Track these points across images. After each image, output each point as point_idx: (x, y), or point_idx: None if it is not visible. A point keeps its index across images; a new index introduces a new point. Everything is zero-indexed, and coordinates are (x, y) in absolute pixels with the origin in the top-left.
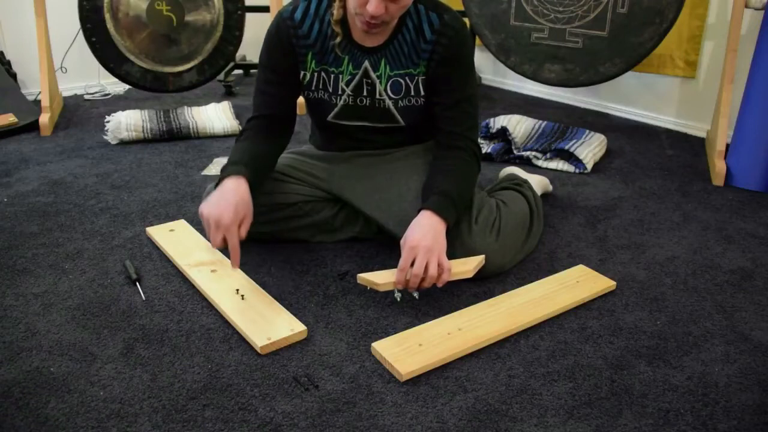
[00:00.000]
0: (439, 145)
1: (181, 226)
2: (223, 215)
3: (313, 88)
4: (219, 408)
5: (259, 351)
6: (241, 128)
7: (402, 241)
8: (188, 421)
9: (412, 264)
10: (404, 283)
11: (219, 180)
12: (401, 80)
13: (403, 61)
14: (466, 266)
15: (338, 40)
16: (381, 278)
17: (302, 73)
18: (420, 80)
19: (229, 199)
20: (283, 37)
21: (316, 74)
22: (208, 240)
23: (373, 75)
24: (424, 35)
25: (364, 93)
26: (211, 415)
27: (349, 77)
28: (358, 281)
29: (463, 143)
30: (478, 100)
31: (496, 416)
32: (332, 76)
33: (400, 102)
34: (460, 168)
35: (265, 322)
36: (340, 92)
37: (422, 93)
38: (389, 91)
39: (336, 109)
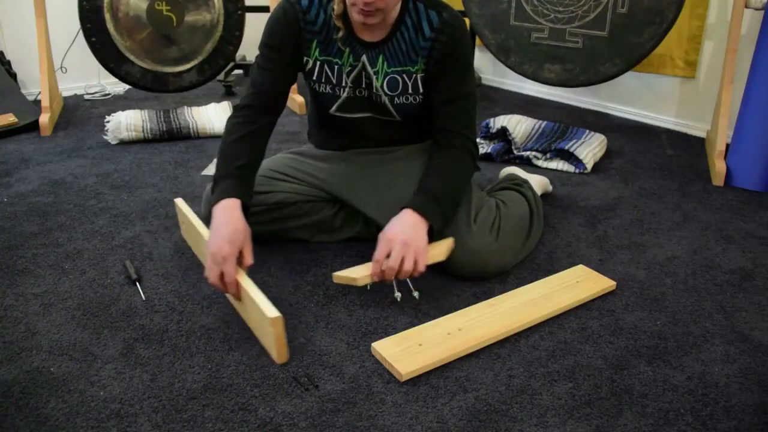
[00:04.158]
0: (435, 144)
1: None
2: (221, 249)
3: (315, 78)
4: (219, 408)
5: (276, 360)
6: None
7: (380, 235)
8: (188, 421)
9: (390, 257)
10: (380, 274)
11: (212, 200)
12: (398, 77)
13: (401, 59)
14: (436, 250)
15: (340, 34)
16: (357, 272)
17: (305, 59)
18: (418, 78)
19: (222, 232)
20: (291, 19)
21: (318, 64)
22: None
23: (370, 70)
24: (423, 33)
25: (363, 85)
26: (211, 415)
27: (350, 68)
28: (335, 280)
29: (458, 141)
30: (475, 99)
31: (496, 416)
32: (336, 67)
33: (396, 99)
34: (451, 166)
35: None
36: (343, 84)
37: (420, 90)
38: (385, 88)
39: (339, 101)
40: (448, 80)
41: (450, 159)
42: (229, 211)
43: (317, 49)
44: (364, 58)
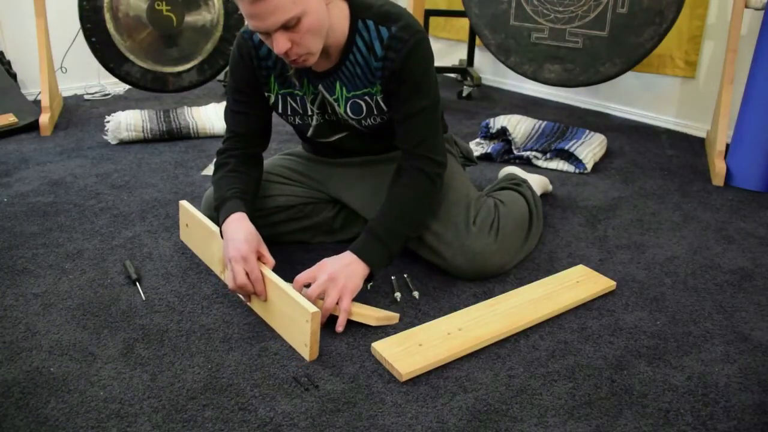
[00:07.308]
0: (397, 166)
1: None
2: (240, 250)
3: (280, 111)
4: (219, 408)
5: (308, 358)
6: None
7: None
8: (188, 421)
9: (310, 286)
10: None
11: (219, 221)
12: (360, 101)
13: (359, 83)
14: (371, 311)
15: (291, 71)
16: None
17: (267, 94)
18: (379, 99)
19: (236, 237)
20: (245, 57)
21: (281, 98)
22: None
23: (329, 98)
24: (376, 53)
25: (329, 110)
26: (211, 415)
27: (312, 96)
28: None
29: (411, 163)
30: (435, 111)
31: (496, 416)
32: (298, 98)
33: (363, 121)
34: (402, 197)
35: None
36: (310, 113)
37: (385, 110)
38: (349, 113)
39: (312, 128)
40: (400, 97)
41: (402, 188)
42: (237, 222)
43: (276, 84)
44: (321, 87)
